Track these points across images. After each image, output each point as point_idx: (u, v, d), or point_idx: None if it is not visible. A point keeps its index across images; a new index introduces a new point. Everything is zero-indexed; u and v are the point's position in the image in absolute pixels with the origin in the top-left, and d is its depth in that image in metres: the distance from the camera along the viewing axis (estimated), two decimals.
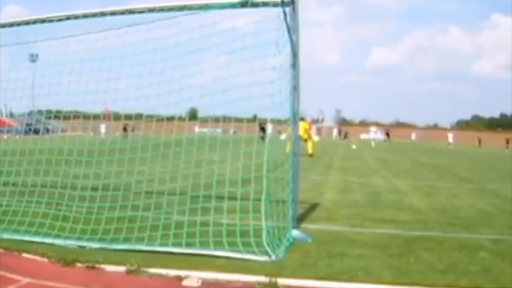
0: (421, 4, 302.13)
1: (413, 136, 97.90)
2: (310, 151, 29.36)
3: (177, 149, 8.35)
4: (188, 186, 8.02)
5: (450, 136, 77.32)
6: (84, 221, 7.32)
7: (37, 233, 7.01)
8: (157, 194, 7.99)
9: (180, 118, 9.19)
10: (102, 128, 13.15)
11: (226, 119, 8.61)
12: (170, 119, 8.94)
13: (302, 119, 30.73)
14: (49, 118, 9.77)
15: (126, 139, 13.12)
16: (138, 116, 9.04)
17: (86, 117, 9.03)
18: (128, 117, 9.57)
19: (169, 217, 7.23)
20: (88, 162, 8.84)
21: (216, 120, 8.61)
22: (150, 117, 9.02)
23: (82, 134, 11.39)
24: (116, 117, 10.89)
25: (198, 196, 7.38)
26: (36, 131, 12.81)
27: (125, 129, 21.64)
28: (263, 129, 29.32)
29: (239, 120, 8.73)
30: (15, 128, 16.16)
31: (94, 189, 8.35)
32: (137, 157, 8.51)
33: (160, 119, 8.96)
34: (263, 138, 13.42)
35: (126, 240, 6.74)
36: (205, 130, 11.60)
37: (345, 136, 62.34)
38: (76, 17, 8.24)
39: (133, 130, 14.35)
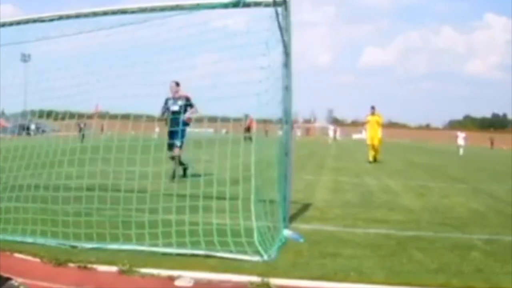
0: (413, 4, 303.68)
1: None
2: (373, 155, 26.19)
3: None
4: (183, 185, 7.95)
5: (461, 137, 54.88)
6: (74, 221, 7.27)
7: (28, 233, 6.98)
8: (147, 194, 7.94)
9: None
10: (156, 128, 12.83)
11: (221, 119, 8.58)
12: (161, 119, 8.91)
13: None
14: (40, 117, 9.73)
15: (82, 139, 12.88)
16: (126, 116, 9.00)
17: (72, 116, 8.94)
18: (113, 116, 9.53)
19: (162, 217, 7.18)
20: (71, 161, 8.70)
21: (210, 120, 8.58)
22: (139, 117, 8.97)
23: (73, 134, 11.29)
24: (102, 115, 10.84)
25: (190, 196, 7.36)
26: (27, 130, 12.76)
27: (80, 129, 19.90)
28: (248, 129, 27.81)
29: (227, 120, 8.71)
30: (7, 128, 16.12)
31: (80, 188, 8.28)
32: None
33: (150, 119, 8.95)
34: (245, 138, 11.93)
35: (118, 240, 6.71)
36: (196, 130, 11.57)
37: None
38: (68, 17, 8.21)
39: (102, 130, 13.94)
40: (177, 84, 13.71)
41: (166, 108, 13.84)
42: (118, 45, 8.04)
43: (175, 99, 13.89)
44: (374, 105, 27.01)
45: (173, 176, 12.55)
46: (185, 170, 13.30)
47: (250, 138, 11.16)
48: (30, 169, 8.81)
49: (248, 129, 28.13)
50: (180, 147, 13.14)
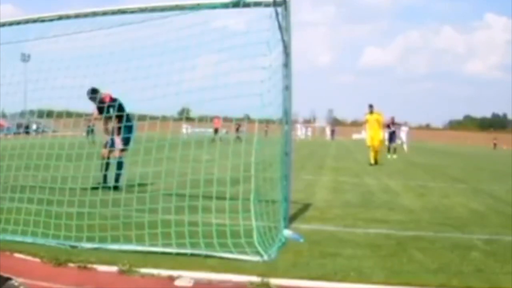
0: (413, 4, 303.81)
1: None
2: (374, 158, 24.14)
3: (161, 143, 8.25)
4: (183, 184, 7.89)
5: None
6: (76, 221, 7.24)
7: (27, 233, 6.97)
8: (151, 195, 7.91)
9: (171, 118, 9.15)
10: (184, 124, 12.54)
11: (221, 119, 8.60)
12: (164, 119, 8.89)
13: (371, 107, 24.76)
14: (39, 116, 9.72)
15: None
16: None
17: (69, 115, 8.95)
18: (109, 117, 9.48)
19: (164, 217, 7.16)
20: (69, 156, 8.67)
21: (208, 119, 8.59)
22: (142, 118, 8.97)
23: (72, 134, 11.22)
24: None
25: (191, 196, 7.34)
26: (27, 129, 12.71)
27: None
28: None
29: (228, 120, 8.73)
30: (4, 128, 16.11)
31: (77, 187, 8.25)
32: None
33: (153, 118, 8.92)
34: (213, 140, 10.95)
35: (118, 240, 6.70)
36: (196, 130, 11.57)
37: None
38: (68, 17, 8.19)
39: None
40: (94, 91, 10.63)
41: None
42: (119, 45, 8.03)
43: (101, 105, 11.31)
44: (372, 103, 24.84)
45: (104, 181, 10.62)
46: (118, 176, 11.45)
47: (220, 139, 10.99)
48: (30, 170, 8.80)
49: (216, 130, 27.00)
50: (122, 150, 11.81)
